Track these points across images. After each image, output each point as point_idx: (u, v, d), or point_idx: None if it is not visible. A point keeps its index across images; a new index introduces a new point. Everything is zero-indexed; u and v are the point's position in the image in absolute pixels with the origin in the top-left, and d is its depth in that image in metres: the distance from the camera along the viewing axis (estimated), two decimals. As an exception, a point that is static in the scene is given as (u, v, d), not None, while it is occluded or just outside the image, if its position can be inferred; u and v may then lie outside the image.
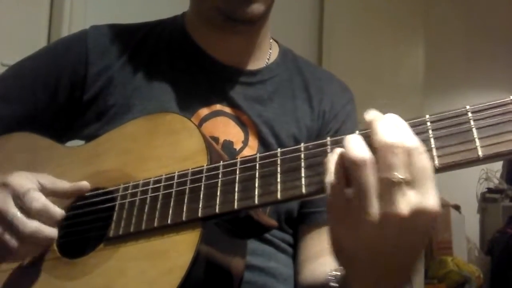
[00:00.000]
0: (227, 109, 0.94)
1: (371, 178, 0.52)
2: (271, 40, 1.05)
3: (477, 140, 0.54)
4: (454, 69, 4.18)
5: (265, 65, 1.01)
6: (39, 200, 0.73)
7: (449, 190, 3.79)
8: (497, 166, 4.30)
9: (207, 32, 0.97)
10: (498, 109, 0.54)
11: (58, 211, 0.74)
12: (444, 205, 3.83)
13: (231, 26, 0.93)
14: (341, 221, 0.55)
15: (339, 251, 0.58)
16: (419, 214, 0.52)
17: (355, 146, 0.53)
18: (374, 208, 0.52)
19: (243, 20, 0.90)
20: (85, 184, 0.79)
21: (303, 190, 0.60)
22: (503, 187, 4.23)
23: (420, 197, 0.52)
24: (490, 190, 4.28)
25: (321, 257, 0.88)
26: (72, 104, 0.96)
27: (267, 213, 0.83)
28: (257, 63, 1.00)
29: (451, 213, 3.85)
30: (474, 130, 0.54)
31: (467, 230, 4.08)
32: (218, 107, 0.94)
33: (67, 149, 0.89)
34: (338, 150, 0.55)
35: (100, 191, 0.78)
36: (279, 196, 0.61)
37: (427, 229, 0.53)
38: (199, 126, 0.89)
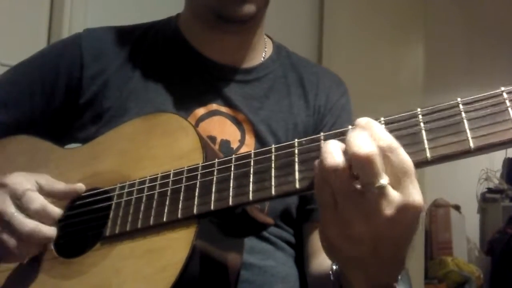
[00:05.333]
0: (223, 109, 0.94)
1: (344, 184, 0.53)
2: (266, 39, 1.05)
3: (468, 131, 0.54)
4: (454, 69, 4.18)
5: (260, 62, 1.01)
6: (37, 201, 0.73)
7: (449, 190, 3.80)
8: (497, 166, 4.30)
9: (201, 31, 0.97)
10: (489, 101, 0.54)
11: (56, 211, 0.75)
12: (444, 205, 3.83)
13: (222, 25, 0.93)
14: (331, 220, 0.56)
15: (329, 248, 0.59)
16: (404, 211, 0.53)
17: (328, 152, 0.54)
18: (355, 212, 0.53)
19: (233, 19, 0.91)
20: (80, 186, 0.79)
21: (297, 185, 0.60)
22: (503, 187, 4.23)
23: (402, 196, 0.53)
24: (490, 190, 4.28)
25: None
26: (68, 108, 0.96)
27: (265, 211, 0.84)
28: (252, 61, 1.00)
29: (451, 213, 3.85)
30: (465, 122, 0.54)
31: (467, 230, 4.08)
32: (214, 106, 0.94)
33: (65, 151, 0.90)
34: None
35: (96, 191, 0.78)
36: (273, 191, 0.61)
37: (414, 223, 0.55)
38: (195, 126, 0.89)
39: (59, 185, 0.79)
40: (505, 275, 3.71)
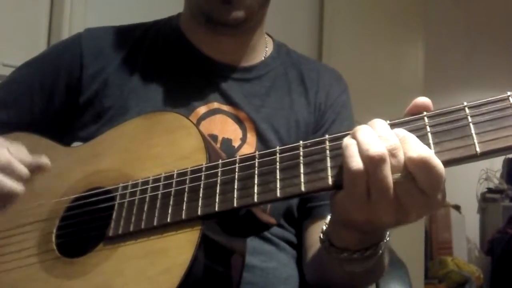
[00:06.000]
0: (225, 107, 0.94)
1: (389, 174, 0.55)
2: (266, 38, 1.05)
3: (474, 136, 0.54)
4: (454, 68, 4.18)
5: (261, 61, 1.01)
6: (5, 156, 0.75)
7: (449, 190, 3.76)
8: (497, 166, 4.29)
9: (200, 31, 0.98)
10: (496, 105, 0.54)
11: (22, 168, 0.76)
12: (444, 205, 3.83)
13: (213, 27, 0.94)
14: (359, 206, 0.58)
15: (344, 222, 0.63)
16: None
17: (373, 141, 0.55)
18: (393, 201, 0.56)
19: (221, 23, 0.91)
20: (45, 160, 0.80)
21: (302, 188, 0.60)
22: (503, 187, 4.23)
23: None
24: (490, 190, 4.28)
25: None
26: (69, 107, 0.96)
27: (268, 212, 0.83)
28: (253, 60, 1.01)
29: (451, 213, 3.84)
30: (472, 126, 0.54)
31: (467, 230, 4.07)
32: (215, 105, 0.94)
33: (66, 149, 0.90)
34: (350, 137, 0.58)
35: (99, 190, 0.78)
36: (278, 194, 0.61)
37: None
38: (197, 124, 0.89)
39: (26, 156, 0.79)
40: (505, 275, 3.71)
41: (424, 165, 0.54)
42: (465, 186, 4.17)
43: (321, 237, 0.71)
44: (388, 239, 0.69)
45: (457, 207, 3.99)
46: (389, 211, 0.57)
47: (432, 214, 3.86)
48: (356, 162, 0.56)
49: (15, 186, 0.74)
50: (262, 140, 0.93)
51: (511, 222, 3.91)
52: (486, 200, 4.27)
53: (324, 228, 0.71)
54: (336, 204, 0.61)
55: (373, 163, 0.55)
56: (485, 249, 4.03)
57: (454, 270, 3.55)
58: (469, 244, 4.11)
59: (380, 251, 0.68)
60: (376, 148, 0.55)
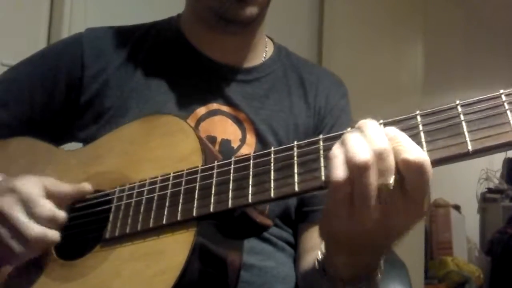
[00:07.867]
0: (224, 108, 0.94)
1: (373, 180, 0.54)
2: (266, 39, 1.05)
3: (466, 134, 0.53)
4: (454, 68, 4.18)
5: (260, 62, 1.01)
6: (47, 207, 0.74)
7: (449, 190, 3.79)
8: (497, 166, 4.30)
9: (202, 32, 0.97)
10: (488, 103, 0.54)
11: (63, 215, 0.75)
12: (444, 205, 3.83)
13: (224, 26, 0.93)
14: (342, 215, 0.57)
15: (331, 237, 0.63)
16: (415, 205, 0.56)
17: (359, 148, 0.54)
18: (376, 207, 0.55)
19: (235, 21, 0.91)
20: (86, 186, 0.79)
21: (296, 188, 0.60)
22: (503, 187, 4.24)
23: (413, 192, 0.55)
24: (490, 190, 4.29)
25: (316, 249, 0.89)
26: (69, 107, 0.96)
27: (265, 212, 0.84)
28: (253, 61, 1.01)
29: (451, 213, 3.85)
30: (464, 124, 0.54)
31: (467, 230, 4.08)
32: (215, 106, 0.94)
33: (66, 153, 0.90)
34: (338, 145, 0.57)
35: (97, 193, 0.78)
36: (272, 194, 0.61)
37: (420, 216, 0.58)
38: (196, 126, 0.90)
39: (65, 187, 0.79)
40: (505, 275, 3.71)
41: (419, 168, 0.53)
42: (465, 186, 4.18)
43: (316, 267, 0.71)
44: (381, 270, 0.68)
45: (457, 207, 4.00)
46: (371, 215, 0.56)
47: (432, 214, 3.87)
48: (337, 174, 0.55)
49: (56, 236, 0.74)
50: (261, 141, 0.93)
51: (511, 222, 3.92)
52: (486, 200, 4.28)
53: (320, 257, 0.71)
54: (323, 213, 0.62)
55: (357, 170, 0.54)
56: (485, 249, 4.04)
57: (454, 270, 3.56)
58: (469, 244, 4.12)
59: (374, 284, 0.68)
60: (361, 155, 0.54)
